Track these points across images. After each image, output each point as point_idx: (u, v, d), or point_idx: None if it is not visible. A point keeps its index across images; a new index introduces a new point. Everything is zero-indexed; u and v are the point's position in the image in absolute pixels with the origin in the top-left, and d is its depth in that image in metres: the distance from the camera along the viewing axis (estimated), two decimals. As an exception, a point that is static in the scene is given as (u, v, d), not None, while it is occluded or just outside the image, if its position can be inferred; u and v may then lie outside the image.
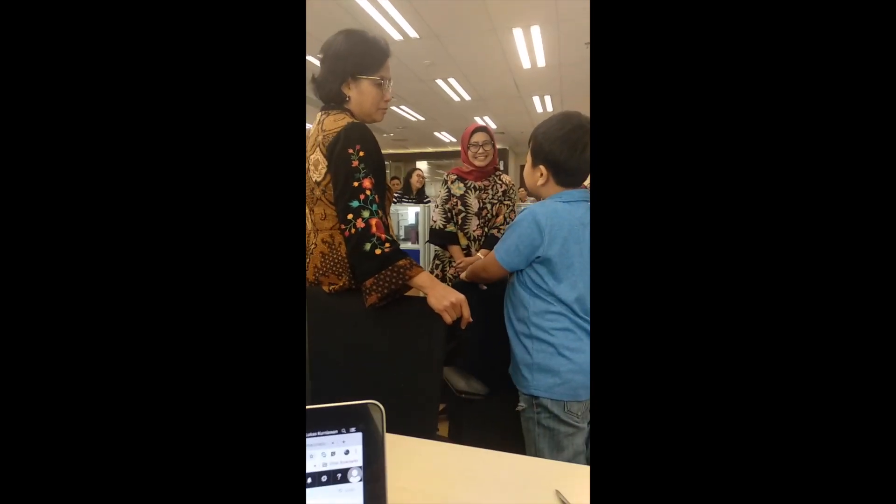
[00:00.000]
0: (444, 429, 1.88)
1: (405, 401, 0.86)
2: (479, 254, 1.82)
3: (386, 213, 0.96)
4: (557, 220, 0.92)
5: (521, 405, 0.98)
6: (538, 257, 0.94)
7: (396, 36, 3.97)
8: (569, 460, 0.90)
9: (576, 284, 0.93)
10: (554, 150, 0.94)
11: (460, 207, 1.82)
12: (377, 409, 0.44)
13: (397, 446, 0.64)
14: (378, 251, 0.86)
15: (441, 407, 1.92)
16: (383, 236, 0.87)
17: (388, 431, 0.65)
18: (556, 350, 0.92)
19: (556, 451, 0.93)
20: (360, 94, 0.99)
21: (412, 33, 3.93)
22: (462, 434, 1.12)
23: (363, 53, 0.98)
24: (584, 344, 0.92)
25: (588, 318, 0.93)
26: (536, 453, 0.96)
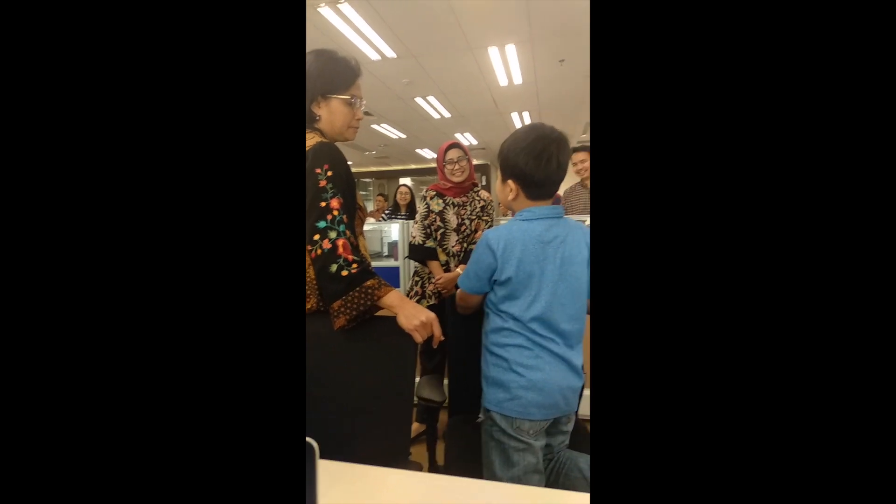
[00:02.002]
0: (421, 452, 1.84)
1: (375, 424, 0.83)
2: (458, 269, 1.82)
3: (356, 234, 0.95)
4: (510, 241, 0.92)
5: (480, 416, 0.98)
6: (496, 280, 0.94)
7: (374, 56, 4.02)
8: (519, 477, 0.89)
9: (534, 304, 0.91)
10: (519, 162, 0.92)
11: (439, 223, 1.82)
12: (309, 448, 0.40)
13: (363, 477, 0.62)
14: (345, 272, 0.85)
15: (422, 429, 1.89)
16: (350, 257, 0.86)
17: (357, 459, 0.63)
18: (509, 365, 0.91)
19: (505, 465, 0.92)
20: (331, 112, 0.99)
21: (389, 53, 3.98)
22: (449, 457, 1.09)
23: (333, 72, 0.98)
24: (542, 362, 0.90)
25: (550, 336, 0.91)
26: (488, 465, 0.95)
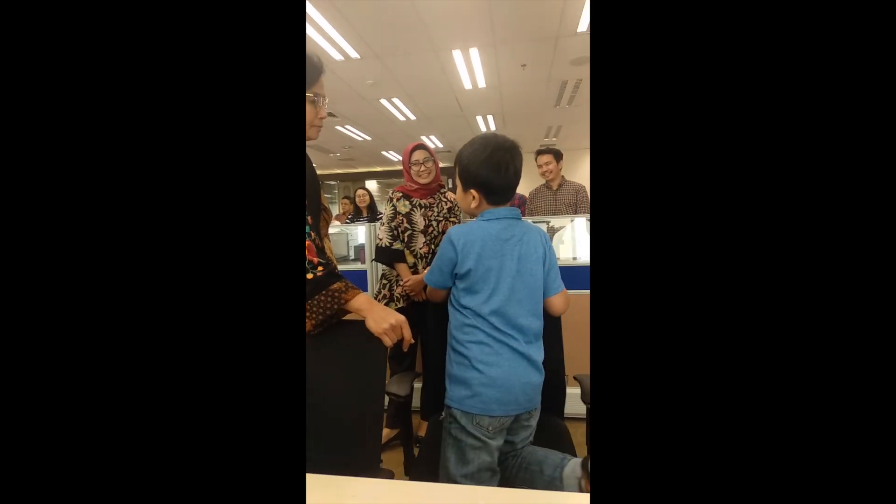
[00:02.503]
0: (398, 458, 1.81)
1: (345, 432, 0.81)
2: (425, 271, 1.81)
3: (321, 236, 0.92)
4: (471, 236, 0.98)
5: (442, 414, 1.00)
6: (456, 274, 0.99)
7: (338, 56, 3.95)
8: (473, 474, 0.91)
9: (492, 297, 0.96)
10: (481, 173, 0.99)
11: (406, 225, 1.81)
12: None
13: (333, 488, 0.59)
14: (310, 275, 0.82)
15: (394, 433, 1.86)
16: (315, 260, 0.83)
17: (327, 468, 0.60)
18: (470, 362, 0.94)
19: (460, 462, 0.94)
20: None
21: (353, 54, 3.93)
22: (421, 461, 1.07)
23: None
24: (501, 358, 0.94)
25: (510, 332, 0.95)
26: (443, 463, 0.97)
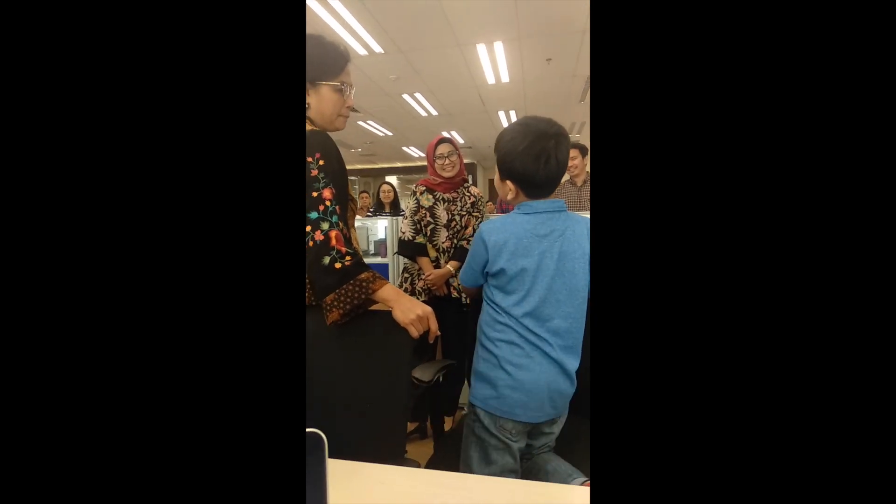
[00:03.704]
0: (418, 450, 1.82)
1: (370, 422, 0.81)
2: (448, 265, 1.80)
3: (348, 226, 0.92)
4: (503, 234, 0.90)
5: (465, 409, 0.97)
6: (487, 272, 0.94)
7: (361, 51, 3.97)
8: (495, 475, 0.87)
9: (526, 299, 0.89)
10: (518, 165, 0.89)
11: (429, 219, 1.80)
12: (318, 439, 0.38)
13: (358, 473, 0.59)
14: (338, 265, 0.81)
15: (414, 426, 1.87)
16: (343, 249, 0.83)
17: (353, 456, 0.60)
18: (498, 362, 0.89)
19: (483, 462, 0.90)
20: (320, 100, 0.95)
21: (377, 48, 3.94)
22: (447, 452, 1.07)
23: (321, 58, 0.94)
24: (532, 362, 0.88)
25: (544, 336, 0.88)
26: (465, 461, 0.93)
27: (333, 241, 0.82)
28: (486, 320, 0.95)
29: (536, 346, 0.88)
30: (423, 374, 1.03)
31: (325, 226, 0.83)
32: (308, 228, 0.83)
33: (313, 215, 0.83)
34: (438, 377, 1.05)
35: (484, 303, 0.97)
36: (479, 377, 0.93)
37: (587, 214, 2.33)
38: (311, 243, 0.82)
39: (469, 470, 0.92)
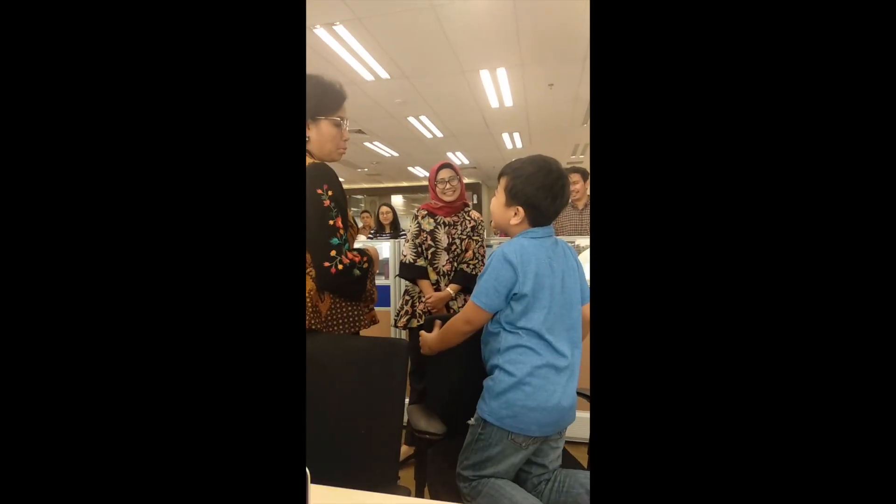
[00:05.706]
0: (408, 477, 1.79)
1: (363, 447, 0.82)
2: (448, 288, 1.83)
3: (351, 247, 1.04)
4: (526, 256, 0.96)
5: (472, 421, 1.00)
6: (514, 294, 0.96)
7: (368, 76, 4.08)
8: (502, 473, 0.93)
9: (547, 317, 0.96)
10: (536, 197, 0.98)
11: (430, 242, 1.83)
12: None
13: (344, 501, 0.60)
14: (358, 272, 1.01)
15: (411, 451, 1.85)
16: (358, 259, 1.01)
17: (344, 483, 0.61)
18: (519, 383, 0.93)
19: (490, 464, 0.95)
20: (320, 134, 1.04)
21: (383, 74, 4.05)
22: (433, 482, 1.07)
23: (322, 95, 1.04)
24: (548, 382, 0.93)
25: (561, 351, 0.95)
26: (467, 462, 0.97)
27: (356, 259, 1.01)
28: (507, 346, 0.97)
29: (552, 365, 0.94)
30: (430, 425, 1.00)
31: (345, 248, 0.99)
32: (333, 253, 0.96)
33: (335, 241, 0.96)
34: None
35: (500, 330, 0.99)
36: (493, 394, 0.96)
37: (587, 237, 2.34)
38: (340, 266, 0.97)
39: (472, 470, 0.96)
